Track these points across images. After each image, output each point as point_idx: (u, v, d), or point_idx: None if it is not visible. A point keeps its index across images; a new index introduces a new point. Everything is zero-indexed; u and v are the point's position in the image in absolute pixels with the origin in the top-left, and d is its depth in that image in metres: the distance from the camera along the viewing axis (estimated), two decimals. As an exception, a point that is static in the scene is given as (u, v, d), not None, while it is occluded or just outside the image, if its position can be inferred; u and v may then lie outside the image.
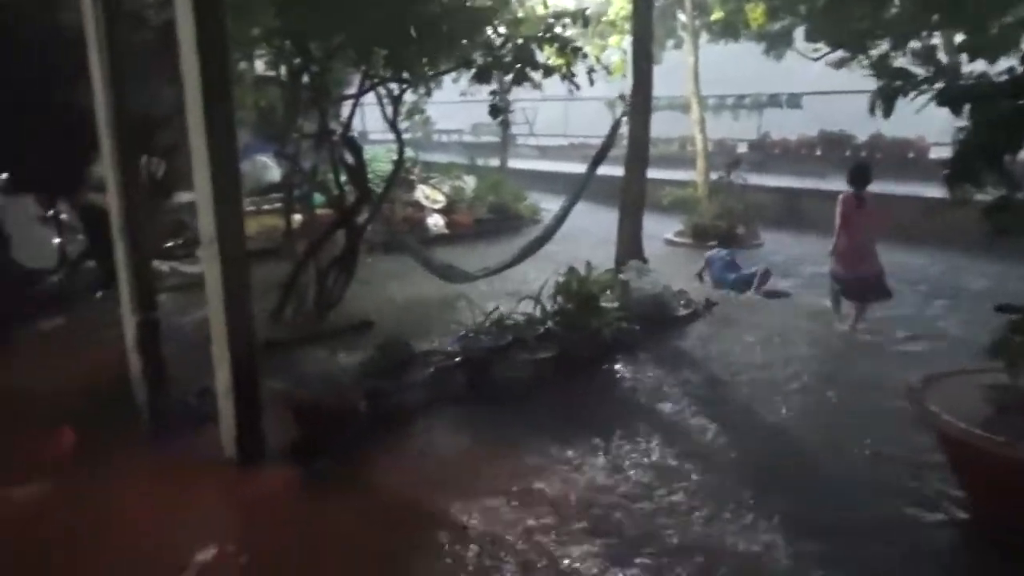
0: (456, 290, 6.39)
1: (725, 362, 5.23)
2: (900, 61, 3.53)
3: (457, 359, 4.75)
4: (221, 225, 3.46)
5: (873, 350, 5.55)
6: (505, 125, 14.84)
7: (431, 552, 2.99)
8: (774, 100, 14.71)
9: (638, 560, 2.90)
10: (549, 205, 11.50)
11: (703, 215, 9.88)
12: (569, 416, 4.31)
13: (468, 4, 4.81)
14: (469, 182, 11.55)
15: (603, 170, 6.59)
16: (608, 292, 5.25)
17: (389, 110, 5.50)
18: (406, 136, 5.38)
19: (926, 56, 3.28)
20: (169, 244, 7.29)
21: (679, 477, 3.59)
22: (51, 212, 6.65)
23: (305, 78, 5.07)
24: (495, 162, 14.20)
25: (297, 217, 6.13)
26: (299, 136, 5.50)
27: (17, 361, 5.19)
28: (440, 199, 10.73)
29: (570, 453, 3.82)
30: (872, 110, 3.24)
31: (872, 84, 3.51)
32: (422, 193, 10.63)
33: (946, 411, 3.07)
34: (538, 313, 5.22)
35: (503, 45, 5.25)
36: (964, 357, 3.41)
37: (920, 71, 3.25)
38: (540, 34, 5.57)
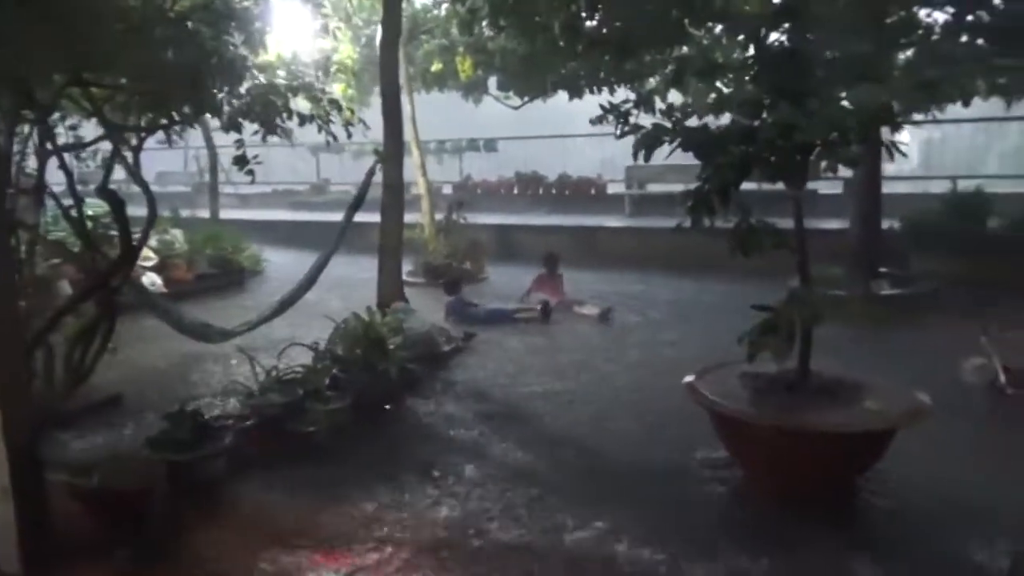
0: (215, 349, 6.01)
1: (493, 383, 5.75)
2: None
3: (249, 422, 4.51)
4: (-9, 299, 2.97)
5: (611, 357, 6.44)
6: (214, 174, 13.98)
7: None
8: (472, 145, 15.90)
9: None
10: (268, 255, 11.20)
11: (432, 255, 10.36)
12: (371, 461, 4.38)
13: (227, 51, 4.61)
14: (177, 235, 10.70)
15: (323, 216, 6.70)
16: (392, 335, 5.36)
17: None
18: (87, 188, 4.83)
19: (669, 111, 4.00)
20: None
21: (472, 488, 3.97)
22: None
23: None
24: (204, 213, 13.30)
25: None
26: (16, 191, 4.77)
27: None
28: (151, 256, 9.79)
29: (379, 495, 3.91)
30: (635, 155, 3.87)
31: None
32: (128, 251, 9.60)
33: (717, 396, 3.78)
34: (318, 364, 5.14)
35: (255, 92, 5.11)
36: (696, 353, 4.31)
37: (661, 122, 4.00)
38: (290, 82, 5.56)
